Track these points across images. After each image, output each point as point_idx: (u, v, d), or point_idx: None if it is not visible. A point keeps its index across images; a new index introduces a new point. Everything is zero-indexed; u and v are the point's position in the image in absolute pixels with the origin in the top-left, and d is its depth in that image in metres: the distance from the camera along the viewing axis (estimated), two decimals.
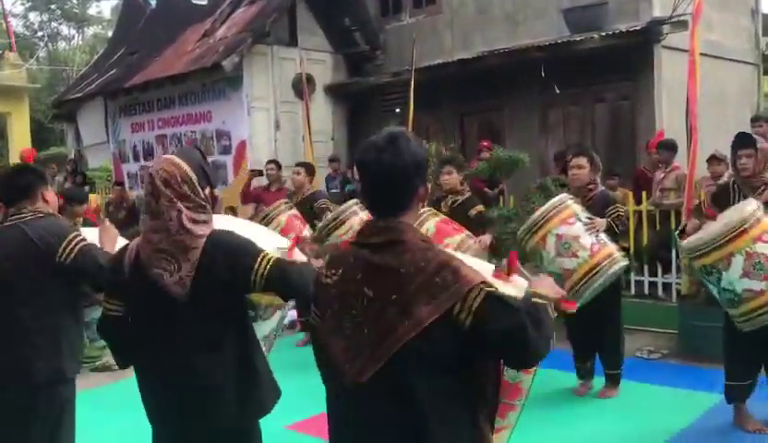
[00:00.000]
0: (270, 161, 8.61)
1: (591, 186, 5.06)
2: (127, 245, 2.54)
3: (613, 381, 5.23)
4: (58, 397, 3.08)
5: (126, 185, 12.51)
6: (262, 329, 2.73)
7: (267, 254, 2.41)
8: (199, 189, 2.43)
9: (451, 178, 5.86)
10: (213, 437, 2.50)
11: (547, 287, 1.99)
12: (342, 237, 5.74)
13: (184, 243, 2.35)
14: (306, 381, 5.66)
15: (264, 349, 2.74)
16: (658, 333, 6.82)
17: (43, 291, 3.03)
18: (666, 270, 7.34)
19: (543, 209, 4.75)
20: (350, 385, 1.86)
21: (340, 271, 1.93)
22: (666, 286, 7.34)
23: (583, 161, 5.08)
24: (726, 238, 3.91)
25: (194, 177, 2.42)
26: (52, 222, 3.13)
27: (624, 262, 4.78)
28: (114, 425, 4.73)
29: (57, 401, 3.07)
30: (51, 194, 3.26)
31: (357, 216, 5.85)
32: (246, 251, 2.40)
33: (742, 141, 4.52)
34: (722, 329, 4.51)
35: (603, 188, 5.32)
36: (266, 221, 6.09)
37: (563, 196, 4.86)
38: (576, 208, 4.74)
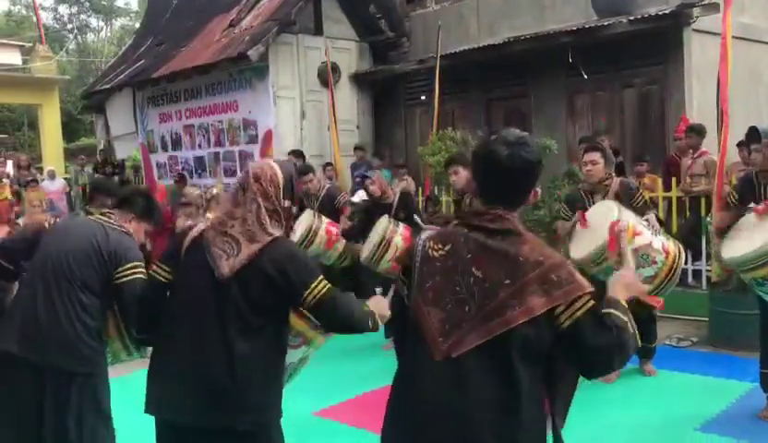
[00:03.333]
0: (291, 152, 8.64)
1: (607, 182, 5.00)
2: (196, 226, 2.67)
3: (648, 355, 5.25)
4: (92, 387, 3.14)
5: (155, 175, 12.68)
6: (289, 357, 2.75)
7: (325, 281, 2.51)
8: (281, 196, 2.58)
9: (459, 178, 5.58)
10: (216, 436, 2.47)
11: (630, 285, 2.08)
12: (392, 261, 5.65)
13: (253, 233, 2.48)
14: (333, 369, 5.76)
15: (284, 380, 2.76)
16: (688, 321, 6.75)
17: (93, 288, 3.14)
18: (696, 257, 7.25)
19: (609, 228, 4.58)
20: (440, 356, 1.92)
21: (447, 247, 2.01)
22: (697, 273, 7.26)
23: (597, 156, 5.01)
24: None
25: (281, 184, 2.58)
26: (128, 240, 3.28)
27: (684, 255, 4.72)
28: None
29: (90, 390, 3.14)
30: (137, 227, 3.40)
31: (398, 234, 5.76)
32: (307, 268, 2.52)
33: (750, 136, 4.47)
34: (759, 316, 4.45)
35: (620, 178, 5.22)
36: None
37: (614, 205, 4.60)
38: (632, 215, 4.60)
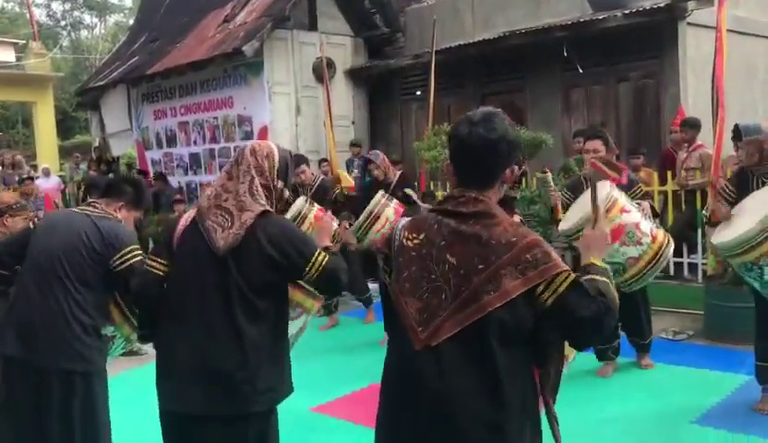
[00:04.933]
0: None
1: None
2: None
3: (645, 350, 5.24)
4: (90, 384, 3.14)
5: (150, 172, 12.63)
6: (289, 328, 2.77)
7: (321, 252, 2.56)
8: (275, 174, 2.60)
9: None
10: (220, 423, 2.46)
11: (598, 247, 2.06)
12: (379, 232, 5.72)
13: (244, 203, 2.49)
14: (329, 365, 5.76)
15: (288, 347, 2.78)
16: (684, 314, 6.77)
17: (88, 282, 3.13)
18: (692, 251, 7.26)
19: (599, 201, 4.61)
20: (419, 345, 1.92)
21: (421, 236, 2.00)
22: (692, 267, 7.27)
23: (598, 144, 5.03)
24: (765, 235, 3.89)
25: (276, 163, 2.61)
26: (120, 226, 3.25)
27: (672, 246, 4.73)
28: (141, 409, 4.81)
29: (89, 388, 3.14)
30: (127, 215, 3.37)
31: (389, 207, 5.85)
32: (305, 242, 2.56)
33: (734, 134, 4.52)
34: (753, 309, 4.47)
35: None
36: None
37: (609, 186, 4.73)
38: (623, 194, 4.65)
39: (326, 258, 2.53)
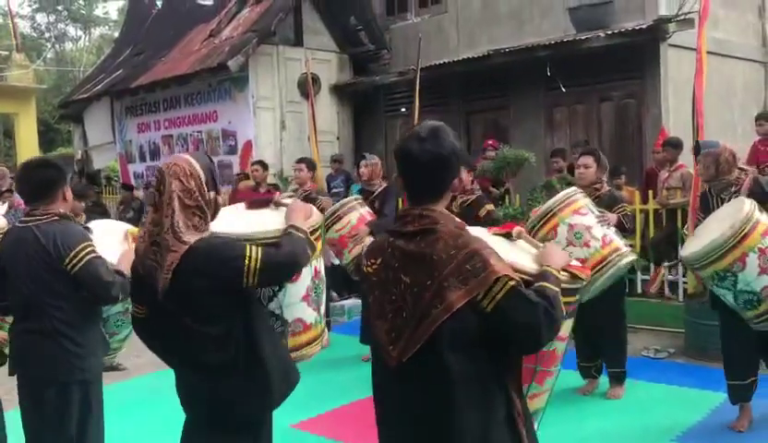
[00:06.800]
0: (254, 163, 8.65)
1: (597, 185, 5.07)
2: None
3: (618, 380, 5.22)
4: (84, 394, 3.17)
5: (133, 184, 12.55)
6: (298, 290, 2.75)
7: (252, 253, 2.39)
8: (205, 189, 2.45)
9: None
10: (219, 431, 2.51)
11: (556, 256, 2.23)
12: (339, 232, 5.78)
13: (167, 242, 2.36)
14: (311, 381, 5.67)
15: (311, 309, 2.80)
16: (665, 332, 6.80)
17: (59, 293, 3.09)
18: (673, 269, 7.31)
19: (556, 197, 4.73)
20: (393, 364, 2.02)
21: (379, 261, 2.09)
22: (673, 285, 7.32)
23: (590, 160, 5.11)
24: (736, 240, 3.90)
25: (202, 176, 2.45)
26: (64, 228, 3.14)
27: (633, 257, 4.78)
28: (123, 424, 4.75)
29: (84, 397, 3.17)
30: (69, 191, 3.27)
31: (356, 212, 5.86)
32: (230, 255, 2.39)
33: (695, 150, 4.64)
34: (719, 328, 4.52)
35: (610, 188, 5.33)
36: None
37: (574, 188, 4.86)
38: (587, 200, 4.76)
39: (257, 260, 2.37)
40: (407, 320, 1.98)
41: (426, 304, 1.95)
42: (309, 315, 2.82)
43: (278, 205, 2.92)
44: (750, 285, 3.94)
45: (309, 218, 2.72)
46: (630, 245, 5.63)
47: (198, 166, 2.46)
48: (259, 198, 3.05)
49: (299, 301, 2.76)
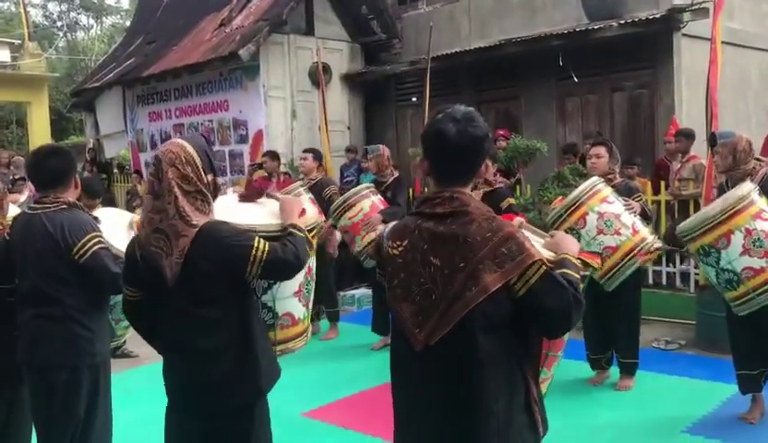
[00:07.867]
0: (265, 154, 8.65)
1: (609, 176, 5.05)
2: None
3: (629, 371, 5.21)
4: (93, 378, 3.21)
5: (144, 174, 12.58)
6: (291, 286, 2.77)
7: (259, 245, 2.43)
8: (202, 173, 2.46)
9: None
10: (212, 420, 2.53)
11: (571, 244, 2.20)
12: (352, 219, 5.80)
13: (176, 228, 2.37)
14: (321, 370, 5.74)
15: (301, 304, 2.83)
16: (676, 324, 6.78)
17: (68, 280, 3.13)
18: (684, 260, 7.28)
19: (581, 187, 4.73)
20: (419, 348, 2.00)
21: (405, 243, 2.06)
22: (684, 276, 7.28)
23: (602, 150, 5.09)
24: (726, 215, 3.96)
25: (198, 161, 2.45)
26: (73, 217, 3.16)
27: (660, 243, 4.78)
28: (133, 411, 4.79)
29: (93, 381, 3.21)
30: (78, 179, 3.30)
31: (369, 199, 5.88)
32: (239, 243, 2.42)
33: (711, 141, 4.63)
34: (726, 319, 4.51)
35: (624, 179, 5.32)
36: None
37: (596, 177, 4.85)
38: (611, 189, 4.77)
39: (264, 252, 2.42)
40: (436, 302, 1.97)
41: (458, 286, 1.94)
42: (299, 310, 2.85)
43: (270, 197, 2.94)
44: (732, 264, 3.97)
45: (303, 215, 2.75)
46: None
47: (192, 150, 2.45)
48: (251, 191, 3.06)
49: (291, 296, 2.79)
